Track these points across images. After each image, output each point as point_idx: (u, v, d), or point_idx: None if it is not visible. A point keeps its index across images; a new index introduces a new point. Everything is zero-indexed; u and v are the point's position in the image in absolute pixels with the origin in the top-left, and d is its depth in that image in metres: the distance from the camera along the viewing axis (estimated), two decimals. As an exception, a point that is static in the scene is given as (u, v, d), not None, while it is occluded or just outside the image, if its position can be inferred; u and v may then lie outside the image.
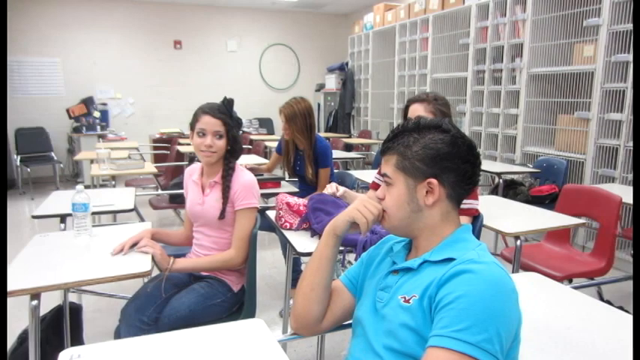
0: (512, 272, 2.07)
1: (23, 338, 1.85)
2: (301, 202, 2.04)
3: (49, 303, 1.98)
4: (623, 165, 3.42)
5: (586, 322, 1.24)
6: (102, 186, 4.61)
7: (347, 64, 7.79)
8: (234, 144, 1.86)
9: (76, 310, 2.15)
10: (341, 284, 1.18)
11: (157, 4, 7.59)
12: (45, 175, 6.84)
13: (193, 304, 1.73)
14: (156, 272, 1.73)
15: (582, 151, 3.77)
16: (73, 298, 2.50)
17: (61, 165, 6.84)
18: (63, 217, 2.37)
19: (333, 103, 8.03)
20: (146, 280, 1.79)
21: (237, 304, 1.87)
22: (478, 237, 1.81)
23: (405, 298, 0.94)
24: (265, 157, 4.70)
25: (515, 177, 3.87)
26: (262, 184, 2.73)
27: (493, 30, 4.59)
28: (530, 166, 4.03)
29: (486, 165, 3.96)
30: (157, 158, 6.36)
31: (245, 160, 3.92)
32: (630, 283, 2.86)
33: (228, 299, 1.83)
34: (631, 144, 3.36)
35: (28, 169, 6.39)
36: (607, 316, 1.27)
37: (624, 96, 3.39)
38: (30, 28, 6.87)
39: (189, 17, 7.84)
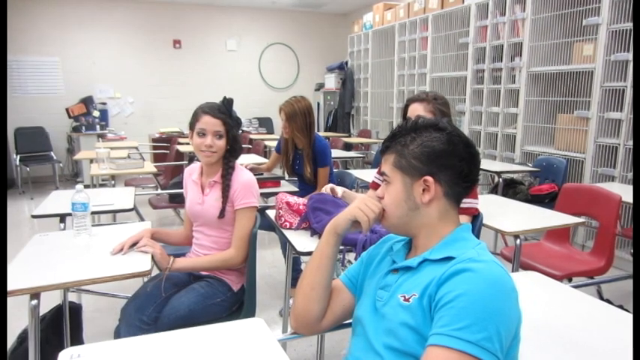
0: (512, 271, 2.07)
1: (23, 338, 1.85)
2: (301, 201, 2.04)
3: (48, 303, 1.98)
4: (623, 164, 3.42)
5: (586, 321, 1.24)
6: (101, 185, 4.61)
7: (346, 63, 7.78)
8: (234, 143, 1.86)
9: (75, 310, 2.15)
10: (341, 283, 1.18)
11: (157, 4, 7.59)
12: (44, 174, 6.83)
13: (193, 304, 1.73)
14: (155, 272, 1.73)
15: (582, 150, 3.77)
16: (72, 297, 2.50)
17: (61, 164, 6.84)
18: (62, 217, 2.37)
19: (332, 103, 8.02)
20: (146, 279, 1.78)
21: (237, 304, 1.87)
22: (478, 236, 1.82)
23: (404, 296, 0.94)
24: (265, 157, 4.70)
25: (514, 176, 3.87)
26: (262, 183, 2.73)
27: (492, 29, 4.59)
28: (530, 165, 4.03)
29: (486, 164, 3.96)
30: (157, 158, 6.36)
31: (245, 159, 3.92)
32: (630, 282, 2.86)
33: (228, 299, 1.83)
34: (631, 143, 3.36)
35: (28, 169, 6.39)
36: (606, 314, 1.27)
37: (624, 95, 3.39)
38: (29, 27, 6.86)
39: (189, 16, 7.83)
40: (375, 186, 2.19)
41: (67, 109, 6.76)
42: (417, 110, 1.95)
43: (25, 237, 4.24)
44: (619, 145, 3.44)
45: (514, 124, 4.47)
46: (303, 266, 2.79)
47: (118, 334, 1.71)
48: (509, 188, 3.73)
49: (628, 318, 1.22)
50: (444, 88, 5.46)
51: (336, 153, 4.71)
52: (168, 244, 1.96)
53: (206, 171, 1.90)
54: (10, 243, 3.72)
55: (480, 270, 0.85)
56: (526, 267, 2.32)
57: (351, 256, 1.73)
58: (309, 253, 1.63)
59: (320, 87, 8.39)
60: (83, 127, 6.69)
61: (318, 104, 8.44)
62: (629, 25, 3.33)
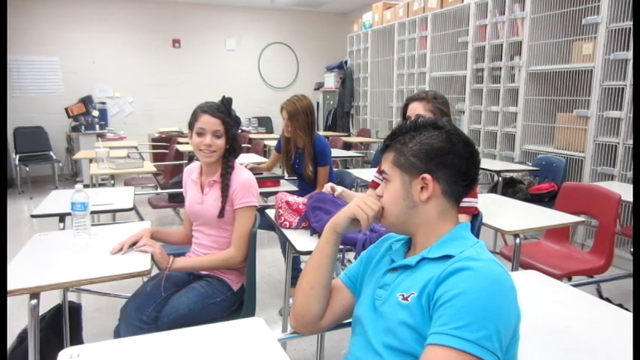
0: (512, 270, 2.07)
1: (23, 337, 1.85)
2: (300, 200, 2.04)
3: (48, 302, 1.98)
4: (622, 163, 3.42)
5: (585, 319, 1.24)
6: (101, 185, 4.61)
7: (346, 62, 7.78)
8: (233, 143, 1.85)
9: (75, 310, 2.15)
10: (340, 283, 1.18)
11: (156, 3, 7.58)
12: (44, 174, 6.83)
13: (193, 303, 1.73)
14: (155, 271, 1.73)
15: (581, 149, 3.77)
16: (72, 297, 2.50)
17: (60, 164, 6.83)
18: (62, 217, 2.36)
19: (332, 102, 8.02)
20: (145, 279, 1.78)
21: (237, 303, 1.86)
22: (477, 235, 1.82)
23: (403, 295, 0.94)
24: (264, 156, 4.70)
25: (514, 175, 3.87)
26: (261, 182, 2.73)
27: (492, 28, 4.59)
28: (530, 164, 4.03)
29: (485, 163, 3.96)
30: (156, 157, 6.36)
31: (244, 158, 3.92)
32: (629, 280, 2.86)
33: (227, 298, 1.83)
34: (630, 141, 3.36)
35: (27, 168, 6.38)
36: (606, 313, 1.27)
37: (623, 94, 3.39)
38: (28, 26, 6.85)
39: (188, 16, 7.83)
40: (374, 185, 2.19)
41: (66, 109, 6.75)
42: (416, 109, 1.95)
43: (24, 237, 4.23)
44: (618, 143, 3.44)
45: (513, 123, 4.47)
46: (302, 265, 2.79)
47: (117, 333, 1.71)
48: (509, 187, 3.73)
49: (628, 317, 1.22)
50: (443, 87, 5.45)
51: (335, 152, 4.70)
52: (167, 244, 1.96)
53: (205, 170, 1.90)
54: (10, 243, 3.72)
55: (478, 268, 0.85)
56: (526, 266, 2.32)
57: (350, 255, 1.73)
58: (308, 253, 1.63)
59: (319, 86, 8.38)
60: (82, 127, 6.69)
61: (318, 103, 8.44)
62: (629, 23, 3.33)
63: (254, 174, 1.93)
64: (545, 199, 3.47)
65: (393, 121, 6.44)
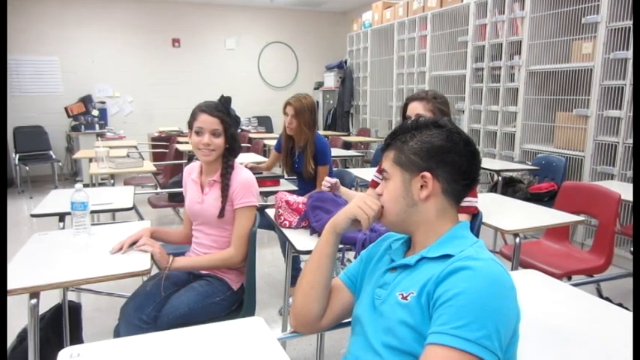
0: (512, 270, 2.07)
1: (22, 337, 1.85)
2: (300, 200, 2.04)
3: (48, 302, 1.98)
4: (622, 162, 3.42)
5: (585, 319, 1.24)
6: (101, 184, 4.61)
7: (346, 62, 7.78)
8: (233, 142, 1.85)
9: (75, 309, 2.15)
10: (340, 282, 1.18)
11: (155, 3, 7.57)
12: (43, 173, 6.83)
13: (193, 303, 1.73)
14: (155, 271, 1.73)
15: (581, 149, 3.77)
16: (72, 296, 2.51)
17: (60, 163, 6.83)
18: (62, 216, 2.36)
19: (331, 101, 8.02)
20: (145, 278, 1.78)
21: (237, 303, 1.86)
22: (477, 235, 1.82)
23: (402, 295, 0.94)
24: (264, 156, 4.70)
25: (514, 174, 3.87)
26: (261, 182, 2.73)
27: (492, 27, 4.59)
28: (529, 163, 4.03)
29: (485, 162, 3.96)
30: (156, 157, 6.35)
31: (244, 158, 3.92)
32: (629, 280, 2.86)
33: (227, 297, 1.83)
34: (630, 141, 3.36)
35: (27, 168, 6.38)
36: (606, 313, 1.27)
37: (623, 93, 3.39)
38: (28, 26, 6.84)
39: (188, 15, 7.82)
40: (374, 184, 2.19)
41: (66, 109, 6.74)
42: (416, 109, 1.95)
43: (24, 236, 4.23)
44: (618, 143, 3.44)
45: (513, 122, 4.47)
46: (302, 265, 2.79)
47: (117, 333, 1.71)
48: (509, 187, 3.73)
49: (628, 316, 1.22)
50: (443, 86, 5.45)
51: (335, 152, 4.70)
52: (167, 243, 1.96)
53: (205, 170, 1.90)
54: (10, 242, 3.72)
55: (478, 268, 0.85)
56: (526, 265, 2.32)
57: (350, 254, 1.73)
58: (308, 252, 1.62)
59: (319, 86, 8.38)
60: (82, 127, 6.68)
61: (318, 103, 8.43)
62: (629, 23, 3.33)
63: (254, 173, 1.93)
64: (545, 199, 3.47)
65: (393, 120, 6.44)
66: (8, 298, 1.34)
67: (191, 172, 1.96)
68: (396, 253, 1.06)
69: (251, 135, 6.81)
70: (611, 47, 3.47)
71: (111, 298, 2.76)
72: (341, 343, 2.36)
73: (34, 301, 1.42)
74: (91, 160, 4.40)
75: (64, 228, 2.32)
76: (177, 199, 3.79)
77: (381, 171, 1.06)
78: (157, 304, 1.70)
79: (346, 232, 1.11)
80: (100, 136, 6.36)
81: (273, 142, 3.39)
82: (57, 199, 2.58)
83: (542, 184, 3.65)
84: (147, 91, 7.70)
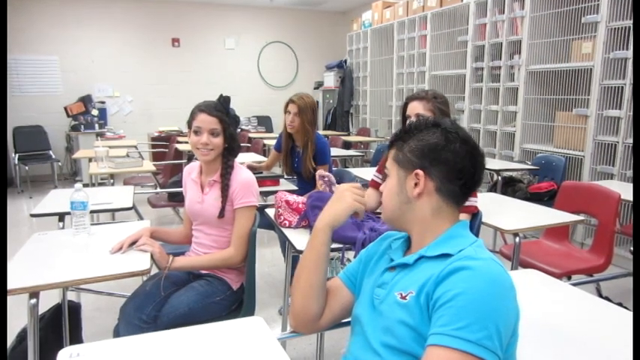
0: (511, 269, 2.07)
1: (22, 337, 1.85)
2: (300, 199, 2.04)
3: (47, 301, 1.98)
4: (622, 161, 3.42)
5: (585, 318, 1.24)
6: (100, 184, 4.61)
7: (345, 61, 7.78)
8: (232, 142, 1.85)
9: (74, 309, 2.15)
10: (340, 282, 1.17)
11: (155, 2, 7.57)
12: (43, 173, 6.82)
13: (193, 302, 1.73)
14: (155, 270, 1.73)
15: (581, 148, 3.77)
16: (71, 296, 2.50)
17: (60, 163, 6.82)
18: (61, 216, 2.36)
19: (331, 101, 8.02)
20: (145, 278, 1.78)
21: (237, 302, 1.86)
22: (477, 234, 1.82)
23: (401, 294, 0.94)
24: (264, 155, 4.70)
25: (513, 174, 3.87)
26: (261, 182, 2.73)
27: (491, 27, 4.59)
28: (529, 163, 4.03)
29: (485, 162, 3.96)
30: (156, 156, 6.35)
31: (244, 158, 3.91)
32: (629, 279, 2.86)
33: (227, 297, 1.83)
34: (630, 140, 3.36)
35: (27, 168, 6.38)
36: (606, 312, 1.27)
37: (623, 92, 3.39)
38: (27, 26, 6.84)
39: (188, 15, 7.82)
40: (374, 184, 2.19)
41: (65, 108, 6.74)
42: (416, 108, 1.95)
43: (23, 236, 4.22)
44: (618, 142, 3.44)
45: (513, 122, 4.47)
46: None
47: (117, 333, 1.71)
48: (509, 186, 3.73)
49: (627, 315, 1.22)
50: (443, 86, 5.45)
51: (335, 151, 4.70)
52: (167, 243, 1.96)
53: (205, 170, 1.90)
54: (9, 242, 3.71)
55: (478, 268, 0.85)
56: (525, 265, 2.32)
57: (350, 254, 1.73)
58: (308, 252, 1.62)
59: (319, 85, 8.38)
60: (82, 126, 6.68)
61: (317, 103, 8.42)
62: (629, 22, 3.33)
63: (254, 173, 1.93)
64: (545, 198, 3.47)
65: (393, 120, 6.43)
66: (8, 297, 1.34)
67: (191, 171, 1.96)
68: (395, 253, 1.06)
69: (251, 135, 6.80)
70: (611, 47, 3.47)
71: (111, 297, 2.76)
72: (341, 342, 2.36)
73: (33, 300, 1.42)
74: (90, 159, 4.39)
75: (63, 228, 2.32)
76: (176, 199, 3.78)
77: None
78: (157, 304, 1.70)
79: (346, 221, 1.13)
80: (99, 136, 6.36)
81: (273, 142, 3.39)
82: (56, 198, 2.58)
83: (542, 183, 3.65)
84: (147, 90, 7.69)
